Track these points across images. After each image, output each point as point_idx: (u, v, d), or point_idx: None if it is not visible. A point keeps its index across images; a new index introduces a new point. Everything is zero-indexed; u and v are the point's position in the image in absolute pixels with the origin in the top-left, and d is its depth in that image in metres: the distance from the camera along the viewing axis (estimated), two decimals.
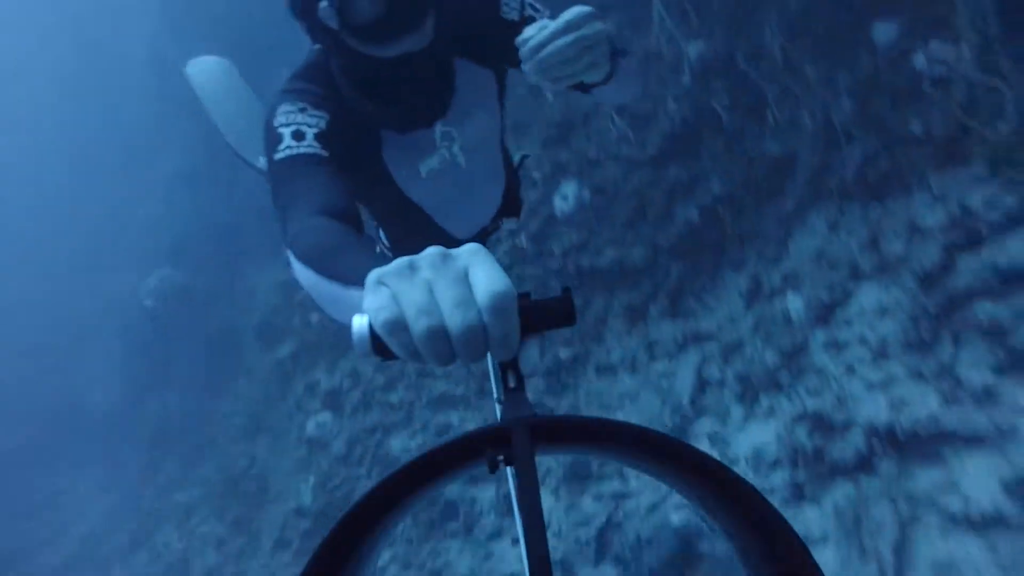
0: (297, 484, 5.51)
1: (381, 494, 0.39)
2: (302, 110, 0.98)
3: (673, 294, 3.79)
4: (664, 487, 3.16)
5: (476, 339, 0.43)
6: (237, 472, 6.27)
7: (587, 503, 3.50)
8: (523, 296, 0.47)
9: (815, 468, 2.61)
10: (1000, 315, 2.16)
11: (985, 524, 2.01)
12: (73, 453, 9.49)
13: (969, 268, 2.28)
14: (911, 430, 2.32)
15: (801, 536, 0.33)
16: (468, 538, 3.97)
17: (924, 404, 2.33)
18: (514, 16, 1.13)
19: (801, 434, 2.71)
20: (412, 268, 0.47)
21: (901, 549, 2.18)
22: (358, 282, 0.55)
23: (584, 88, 1.07)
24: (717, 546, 2.74)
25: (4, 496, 9.40)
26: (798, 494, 2.65)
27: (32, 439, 10.20)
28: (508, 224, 1.54)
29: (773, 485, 2.75)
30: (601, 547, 3.27)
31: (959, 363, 2.27)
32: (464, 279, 0.45)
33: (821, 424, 2.65)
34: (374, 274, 0.49)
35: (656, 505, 3.07)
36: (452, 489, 4.24)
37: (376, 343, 0.47)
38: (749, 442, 2.94)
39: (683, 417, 3.34)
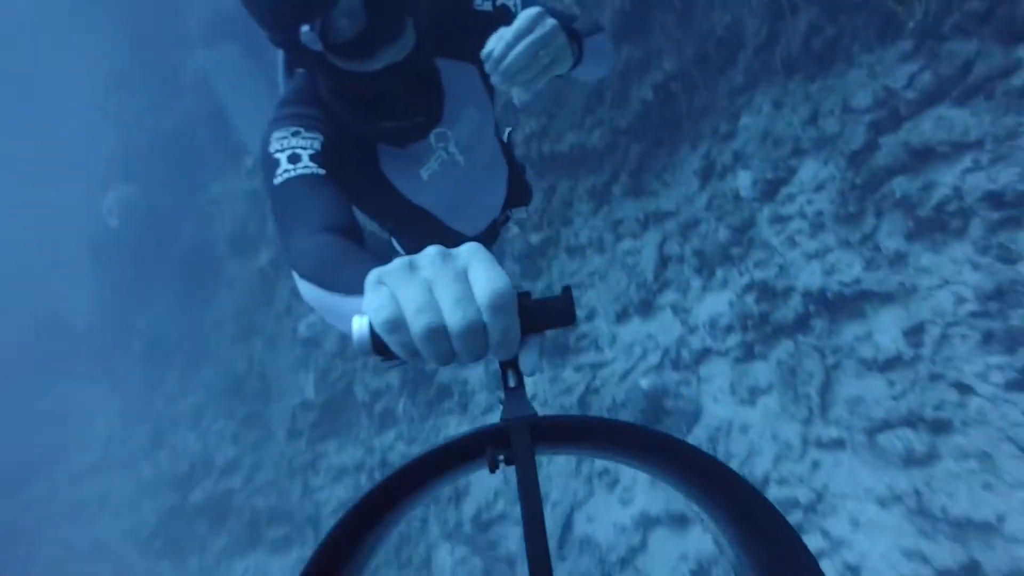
0: (298, 380, 6.07)
1: (381, 494, 0.40)
2: (295, 134, 1.00)
3: (634, 174, 4.06)
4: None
5: (476, 337, 0.44)
6: (238, 374, 6.80)
7: (568, 374, 4.05)
8: (523, 295, 0.48)
9: (762, 330, 3.11)
10: (911, 189, 2.52)
11: (888, 365, 2.53)
12: (68, 369, 9.98)
13: (889, 147, 2.59)
14: (839, 292, 2.78)
15: (794, 526, 0.35)
16: (464, 414, 4.58)
17: (850, 269, 2.76)
18: (487, 7, 1.16)
19: (750, 301, 3.17)
20: (412, 267, 0.48)
21: (825, 391, 2.73)
22: (359, 291, 0.56)
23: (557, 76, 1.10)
24: (680, 403, 3.31)
25: (13, 409, 10.04)
26: (749, 353, 3.17)
27: (21, 358, 10.63)
28: (518, 213, 1.59)
29: (728, 347, 3.26)
30: (583, 411, 3.87)
31: (879, 232, 2.66)
32: (464, 277, 0.46)
33: (766, 292, 3.10)
34: (374, 274, 0.50)
35: (627, 372, 3.61)
36: (444, 372, 4.80)
37: (376, 342, 0.48)
38: (707, 311, 3.41)
39: (648, 291, 3.78)
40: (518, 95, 1.06)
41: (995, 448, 2.11)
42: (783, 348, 2.99)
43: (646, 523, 3.31)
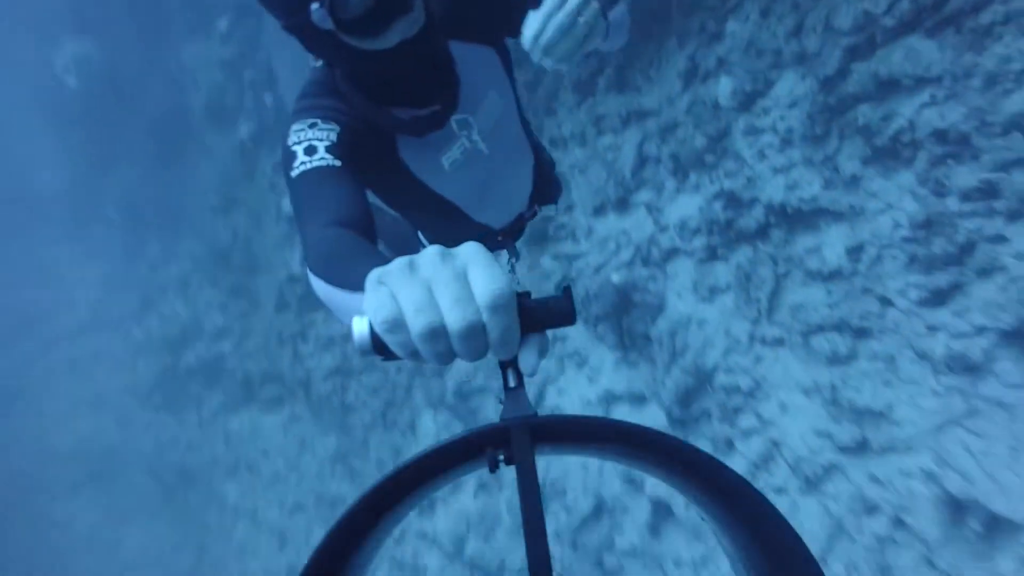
0: (284, 256, 6.38)
1: (380, 494, 0.41)
2: (312, 126, 1.02)
3: (620, 67, 4.16)
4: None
5: (475, 337, 0.46)
6: (223, 246, 7.06)
7: (547, 262, 4.43)
8: (522, 295, 0.49)
9: (726, 235, 3.46)
10: (873, 118, 2.76)
11: (829, 277, 2.93)
12: (41, 235, 10.09)
13: (859, 74, 2.79)
14: (798, 208, 3.10)
15: (799, 532, 0.36)
16: None
17: (810, 187, 3.06)
18: None
19: (717, 208, 3.48)
20: (412, 267, 0.49)
21: (773, 296, 3.15)
22: (364, 288, 0.57)
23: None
24: (647, 297, 3.73)
25: None
26: (712, 255, 3.54)
27: None
28: (547, 210, 1.62)
29: (694, 248, 3.63)
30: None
31: (840, 155, 2.94)
32: (463, 277, 0.47)
33: (733, 200, 3.41)
34: (374, 274, 0.51)
35: (601, 266, 3.99)
36: None
37: (376, 342, 0.49)
38: (678, 212, 3.73)
39: (625, 188, 4.06)
40: (563, 67, 1.05)
41: (899, 352, 2.58)
42: (743, 254, 3.37)
43: (609, 399, 3.88)
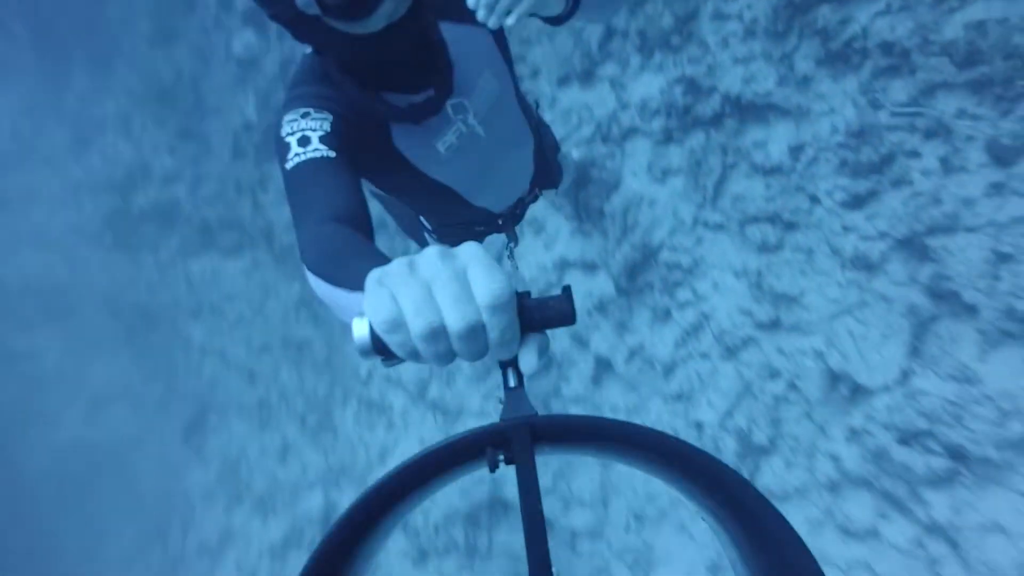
0: (237, 100, 6.22)
1: (378, 496, 0.42)
2: (304, 115, 1.03)
3: None
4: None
5: (475, 337, 0.47)
6: (165, 84, 6.76)
7: None
8: (522, 295, 0.50)
9: (683, 120, 3.70)
10: (831, 21, 2.94)
11: (770, 171, 3.28)
12: None
13: None
14: (752, 101, 3.35)
15: (794, 527, 0.37)
16: None
17: (766, 81, 3.29)
18: None
19: (678, 92, 3.69)
20: (411, 267, 0.51)
21: (719, 184, 3.50)
22: (363, 287, 0.58)
23: (554, 21, 1.12)
24: (603, 174, 4.02)
25: None
26: (668, 138, 3.80)
27: None
28: (548, 195, 1.60)
29: (652, 129, 3.87)
30: None
31: (796, 53, 3.15)
32: (463, 277, 0.49)
33: (693, 87, 3.61)
34: (374, 274, 0.53)
35: (562, 140, 4.20)
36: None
37: (377, 343, 0.50)
38: (639, 92, 3.91)
39: (591, 61, 4.16)
40: (507, 27, 1.02)
41: (817, 247, 3.03)
42: (696, 140, 3.65)
43: (563, 265, 4.31)
